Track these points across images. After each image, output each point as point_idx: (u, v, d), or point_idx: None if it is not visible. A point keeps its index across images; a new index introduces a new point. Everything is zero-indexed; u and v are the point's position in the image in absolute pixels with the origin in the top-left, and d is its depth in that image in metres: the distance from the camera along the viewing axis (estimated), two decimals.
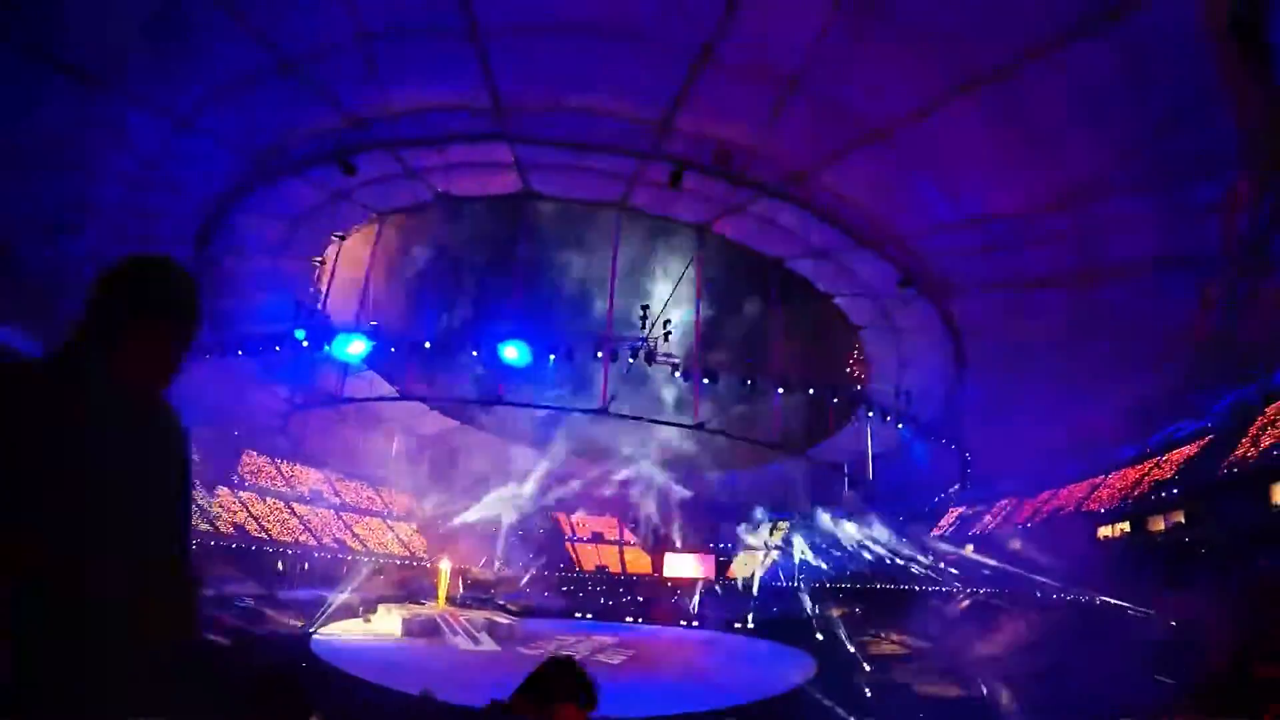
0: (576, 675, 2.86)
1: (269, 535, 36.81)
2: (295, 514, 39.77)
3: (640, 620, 43.93)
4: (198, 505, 33.58)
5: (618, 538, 52.29)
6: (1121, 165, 13.23)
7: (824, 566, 44.48)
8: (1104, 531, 29.46)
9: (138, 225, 18.03)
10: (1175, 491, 26.23)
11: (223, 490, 35.94)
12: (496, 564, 46.30)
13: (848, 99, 13.35)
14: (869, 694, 23.66)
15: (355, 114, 15.32)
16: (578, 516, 51.00)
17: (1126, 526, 28.42)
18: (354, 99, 14.88)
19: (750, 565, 47.92)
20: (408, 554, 44.06)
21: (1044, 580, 29.43)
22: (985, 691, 22.31)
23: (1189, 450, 26.78)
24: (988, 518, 37.91)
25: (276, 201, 18.05)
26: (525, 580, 46.77)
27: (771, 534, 47.37)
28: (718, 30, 11.96)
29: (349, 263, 20.60)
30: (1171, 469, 27.29)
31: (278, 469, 40.40)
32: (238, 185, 17.11)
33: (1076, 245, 15.72)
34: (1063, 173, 13.92)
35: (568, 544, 51.24)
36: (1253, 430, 23.39)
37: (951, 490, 32.31)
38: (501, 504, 42.18)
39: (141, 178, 16.43)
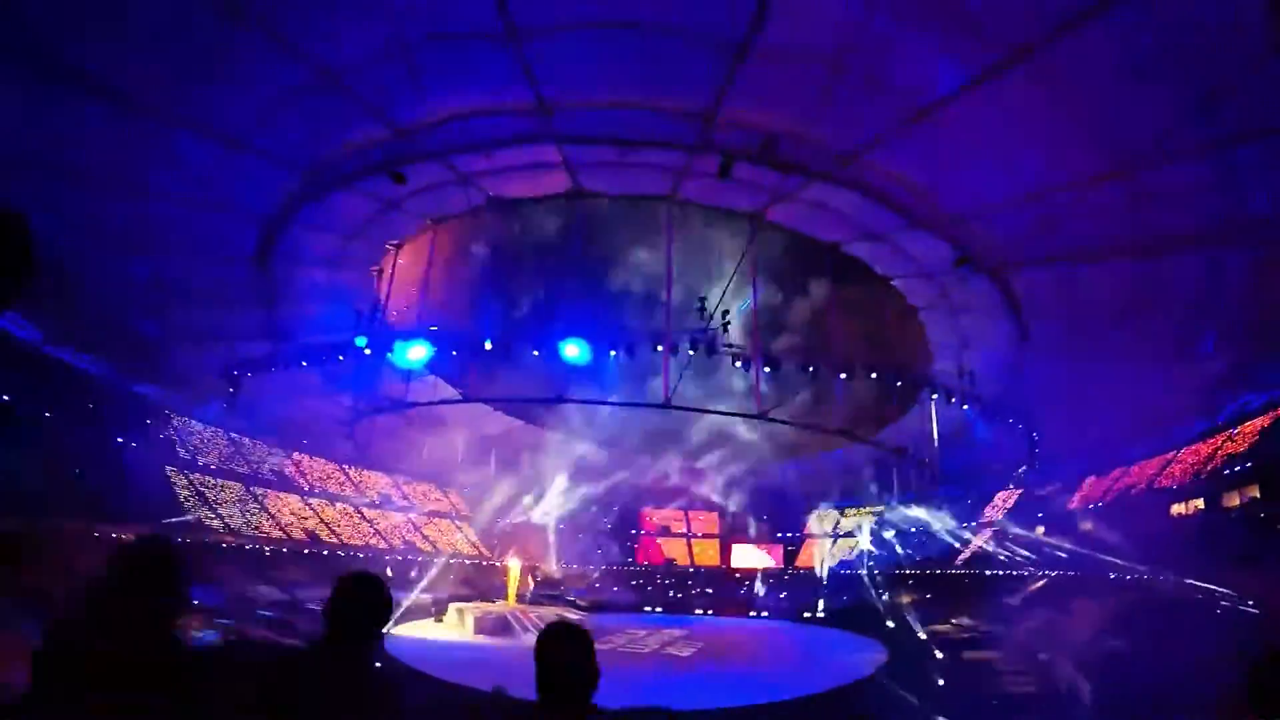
0: None
1: (340, 540, 37.71)
2: (365, 518, 40.70)
3: (709, 612, 43.93)
4: (268, 512, 34.58)
5: (685, 530, 52.26)
6: (1175, 131, 12.76)
7: (894, 552, 43.97)
8: (1177, 509, 28.56)
9: (195, 243, 18.58)
10: (1249, 465, 25.30)
11: (292, 497, 36.92)
12: (563, 561, 46.72)
13: (892, 78, 13.08)
14: (941, 682, 23.32)
15: (401, 124, 15.51)
16: (646, 510, 51.06)
17: (1200, 503, 27.51)
18: (399, 109, 15.05)
19: (818, 554, 47.54)
20: (476, 554, 44.70)
21: (1117, 560, 28.70)
22: (1059, 675, 21.82)
23: (1262, 422, 25.77)
24: (1057, 498, 36.97)
25: (330, 214, 18.40)
26: (594, 576, 47.16)
27: (839, 522, 46.95)
28: (757, 17, 11.81)
29: (406, 269, 20.94)
30: (1245, 442, 26.32)
31: (345, 475, 41.35)
32: (291, 201, 17.50)
33: (1133, 216, 15.22)
34: (1115, 142, 13.47)
35: (636, 537, 51.35)
36: None
37: (1019, 471, 31.61)
38: (567, 500, 42.58)
39: (197, 197, 16.91)
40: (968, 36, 11.57)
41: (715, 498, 44.86)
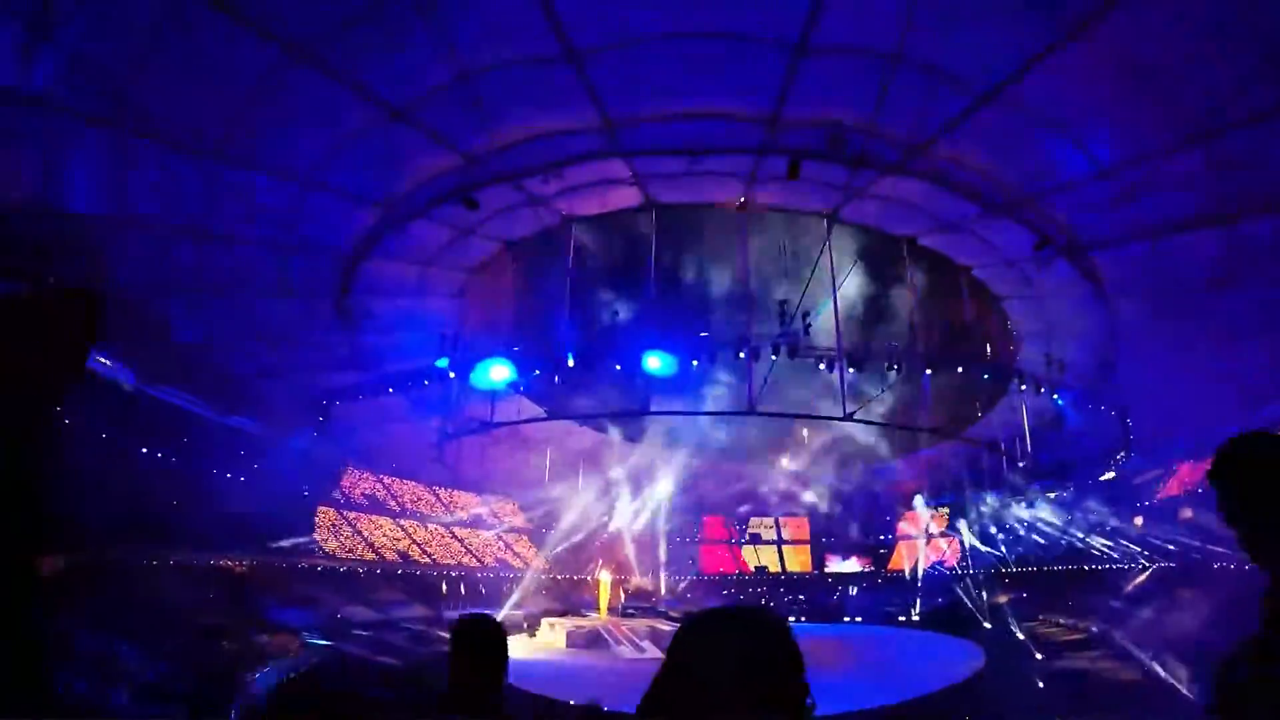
0: None
1: (433, 559, 38.56)
2: (456, 537, 41.53)
3: (803, 619, 43.43)
4: (361, 535, 35.55)
5: (775, 538, 51.81)
6: (1245, 92, 12.17)
7: (991, 550, 42.82)
8: None
9: (277, 283, 19.22)
10: None
11: (384, 519, 37.91)
12: (651, 572, 46.82)
13: (952, 64, 12.85)
14: (1040, 684, 22.61)
15: (469, 151, 15.80)
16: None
17: None
18: (466, 136, 15.33)
19: (910, 555, 46.58)
20: (566, 569, 45.10)
21: (1220, 550, 27.37)
22: (1164, 673, 20.93)
23: None
24: (1154, 486, 35.44)
25: (407, 244, 18.86)
26: (683, 586, 47.11)
27: (931, 522, 45.91)
28: (811, 15, 11.77)
29: (485, 292, 21.39)
30: None
31: (436, 496, 42.28)
32: (367, 234, 18.00)
33: (1213, 182, 14.45)
34: (1184, 109, 12.84)
35: (724, 546, 51.10)
36: None
37: (1117, 459, 30.43)
38: (654, 512, 42.76)
39: (276, 239, 17.46)
40: (1023, 12, 11.32)
41: (807, 502, 44.47)
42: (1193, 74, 12.11)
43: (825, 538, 49.99)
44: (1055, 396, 20.93)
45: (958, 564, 43.24)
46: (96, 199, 14.53)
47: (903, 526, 47.35)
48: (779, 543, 51.79)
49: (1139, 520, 34.98)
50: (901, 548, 47.74)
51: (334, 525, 34.73)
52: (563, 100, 14.25)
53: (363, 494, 38.16)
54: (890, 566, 47.83)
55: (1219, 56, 11.65)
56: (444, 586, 37.61)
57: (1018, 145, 15.05)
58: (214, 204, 15.61)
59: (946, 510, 44.98)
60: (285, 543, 30.77)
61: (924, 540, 46.07)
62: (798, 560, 51.01)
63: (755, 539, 51.83)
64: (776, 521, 51.35)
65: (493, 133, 15.30)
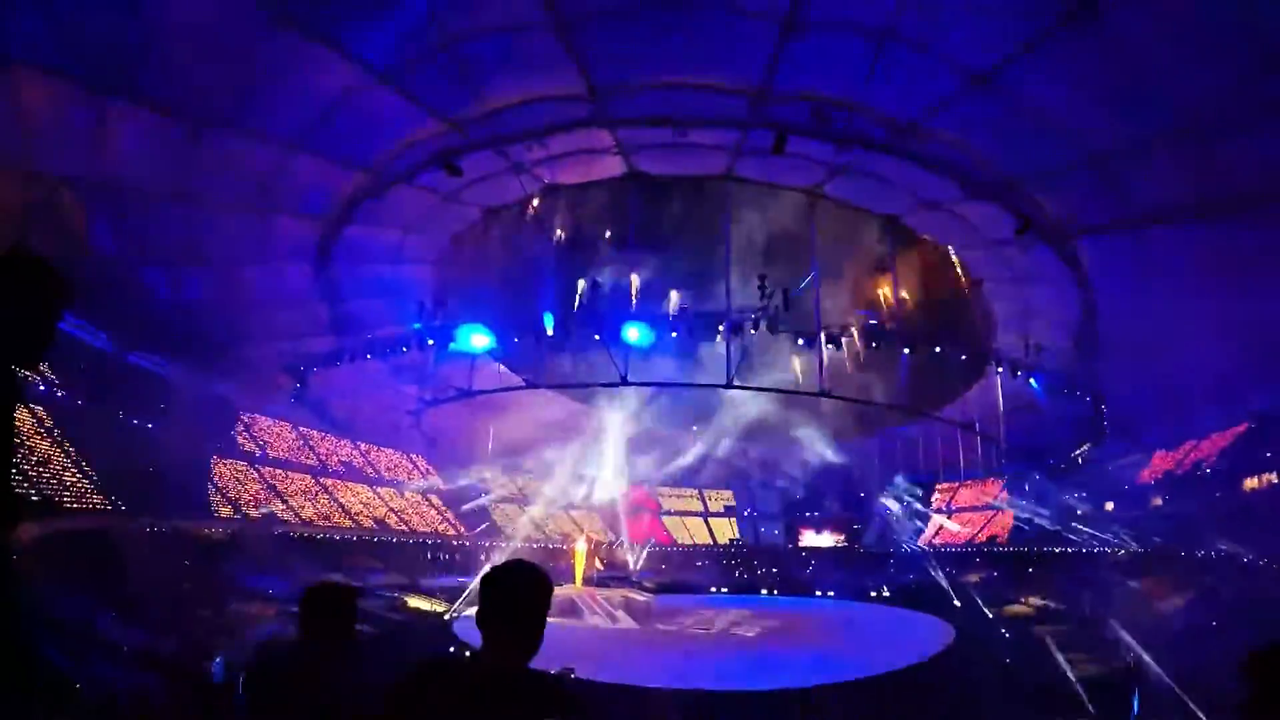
0: None
1: (409, 527, 38.57)
2: (432, 505, 41.56)
3: (775, 591, 43.84)
4: (339, 503, 35.51)
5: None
6: (1238, 91, 12.26)
7: (960, 529, 43.43)
8: (1249, 483, 27.62)
9: (258, 247, 19.07)
10: None
11: (360, 488, 37.86)
12: (625, 541, 47.12)
13: (944, 44, 12.83)
14: (1009, 660, 22.99)
15: (454, 117, 15.68)
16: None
17: (1274, 477, 26.55)
18: (451, 102, 15.21)
19: (886, 532, 47.09)
20: (542, 536, 45.25)
21: (1187, 536, 27.95)
22: (1131, 653, 21.36)
23: None
24: (1126, 473, 35.99)
25: (389, 210, 18.72)
26: (657, 557, 47.38)
27: (905, 500, 46.36)
28: None
29: (467, 259, 21.26)
30: None
31: (413, 463, 42.25)
32: (349, 199, 17.86)
33: (1197, 177, 14.59)
34: (1174, 104, 12.95)
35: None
36: None
37: (1087, 446, 30.86)
38: (628, 482, 43.01)
39: (258, 203, 17.32)
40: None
41: (786, 475, 44.96)
42: (1186, 69, 12.16)
43: (800, 512, 50.45)
44: (1031, 380, 21.10)
45: (930, 543, 43.73)
46: (76, 161, 14.32)
47: (877, 504, 47.62)
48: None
49: (1110, 505, 35.54)
50: (875, 524, 48.11)
51: (310, 492, 34.65)
52: (549, 67, 14.13)
53: (340, 461, 38.07)
54: (864, 543, 48.38)
55: (1216, 54, 11.70)
56: (421, 554, 37.68)
57: (1007, 128, 15.03)
58: (197, 167, 15.40)
59: (921, 488, 45.44)
60: (262, 510, 30.72)
61: (897, 518, 46.52)
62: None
63: (730, 511, 52.49)
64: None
65: (478, 98, 15.17)
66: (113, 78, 12.71)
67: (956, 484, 43.11)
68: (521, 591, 2.48)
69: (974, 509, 43.73)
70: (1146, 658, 20.23)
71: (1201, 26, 11.19)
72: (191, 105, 13.81)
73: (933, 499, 45.66)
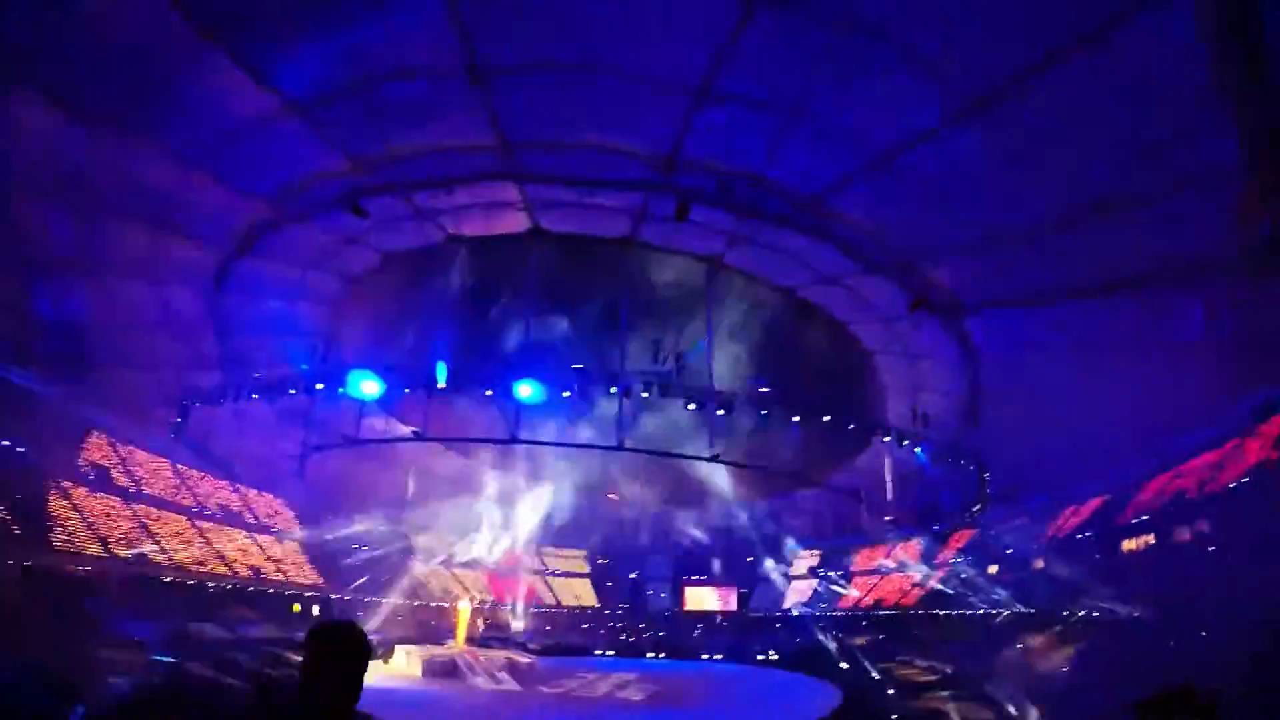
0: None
1: (287, 578, 36.76)
2: (307, 557, 39.78)
3: (662, 655, 43.41)
4: (214, 548, 33.65)
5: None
6: (1126, 179, 13.16)
7: (848, 593, 44.05)
8: (1128, 545, 29.07)
9: (150, 266, 18.20)
10: (1198, 501, 25.84)
11: (237, 533, 36.00)
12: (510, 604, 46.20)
13: (850, 126, 13.38)
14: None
15: (363, 157, 15.44)
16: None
17: (1151, 538, 28.03)
18: (361, 142, 14.99)
19: (773, 596, 47.42)
20: (424, 593, 43.84)
21: (1070, 596, 29.08)
22: (1016, 713, 21.93)
23: (1210, 458, 26.35)
24: (1009, 536, 37.40)
25: (288, 244, 18.24)
26: (541, 618, 46.50)
27: (794, 564, 46.89)
28: (715, 63, 12.04)
29: (362, 304, 20.76)
30: (1194, 479, 26.89)
31: (293, 512, 40.45)
32: (249, 229, 17.29)
33: (1087, 259, 15.57)
34: (1067, 190, 13.83)
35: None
36: (1271, 432, 22.98)
37: (973, 510, 31.96)
38: (514, 541, 42.37)
39: (153, 219, 16.59)
40: (925, 85, 11.88)
41: (675, 537, 44.91)
42: (1083, 159, 12.96)
43: (687, 575, 50.36)
44: (917, 449, 21.75)
45: (819, 606, 44.20)
46: None
47: (766, 567, 47.96)
48: (639, 578, 51.93)
49: (993, 568, 36.76)
50: (765, 588, 48.40)
51: (185, 534, 32.73)
52: (462, 117, 14.11)
53: (218, 504, 36.16)
54: (751, 606, 48.46)
55: (1109, 146, 12.52)
56: (297, 606, 35.90)
57: (906, 208, 15.68)
58: (93, 174, 14.68)
59: (809, 553, 46.07)
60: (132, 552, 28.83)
61: (786, 582, 46.99)
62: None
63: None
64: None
65: (389, 141, 14.99)
66: (14, 65, 12.04)
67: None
68: (344, 646, 2.67)
69: (873, 572, 44.42)
70: (1033, 716, 20.80)
71: (1091, 123, 11.94)
72: (95, 107, 13.15)
73: (851, 562, 46.06)
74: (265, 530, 37.94)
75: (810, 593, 46.03)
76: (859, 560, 44.86)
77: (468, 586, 44.70)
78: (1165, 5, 9.60)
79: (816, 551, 45.86)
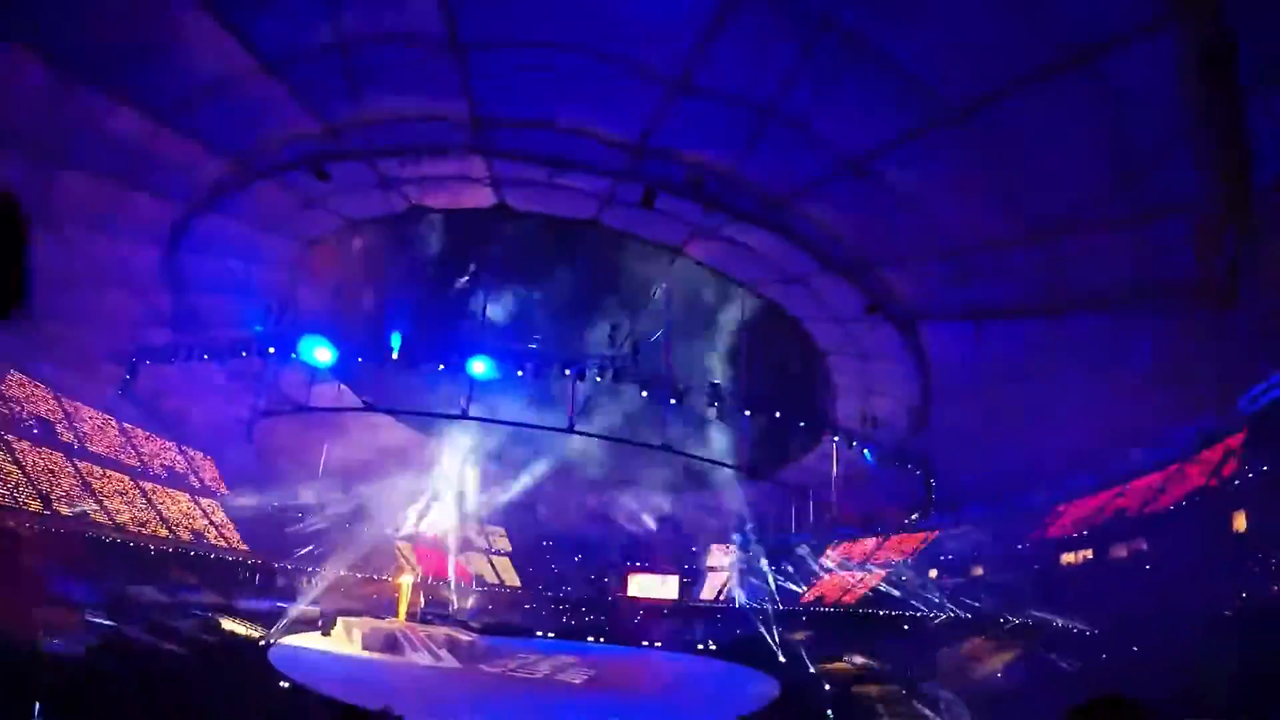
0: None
1: (229, 544, 36.28)
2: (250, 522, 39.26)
3: (602, 640, 43.57)
4: (155, 508, 33.11)
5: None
6: (1092, 202, 13.42)
7: (791, 589, 44.53)
8: (1067, 558, 29.82)
9: (110, 219, 17.82)
10: (1136, 519, 26.56)
11: (181, 495, 35.45)
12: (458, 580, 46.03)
13: (824, 129, 13.53)
14: (830, 715, 23.67)
15: (332, 120, 15.28)
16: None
17: (1089, 553, 28.78)
18: (332, 104, 14.83)
19: (716, 587, 47.77)
20: (366, 565, 43.52)
21: (1007, 604, 29.75)
22: (946, 712, 22.43)
23: (1153, 479, 27.09)
24: (951, 542, 38.14)
25: (250, 204, 17.93)
26: (483, 597, 46.43)
27: (738, 556, 47.28)
28: (695, 55, 12.11)
29: (320, 269, 20.52)
30: (1136, 498, 27.62)
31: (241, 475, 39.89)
32: (212, 186, 16.99)
33: (1047, 277, 15.84)
34: (1033, 208, 14.07)
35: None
36: (1212, 458, 23.70)
37: (915, 515, 32.54)
38: (461, 517, 42.28)
39: (116, 170, 16.21)
40: (900, 96, 12.06)
41: (619, 524, 45.05)
42: (1049, 179, 13.22)
43: (631, 561, 50.61)
44: (865, 451, 22.07)
45: (760, 599, 44.64)
46: None
47: (710, 558, 48.39)
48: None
49: (933, 572, 37.44)
50: (707, 578, 48.80)
51: (128, 494, 32.14)
52: (437, 87, 14.03)
53: (162, 464, 35.55)
54: (694, 595, 48.80)
55: (1076, 168, 12.79)
56: (239, 573, 35.45)
57: (871, 214, 15.91)
58: (61, 121, 14.28)
59: (752, 547, 46.49)
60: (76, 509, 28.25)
61: (730, 573, 47.36)
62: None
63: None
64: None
65: (360, 105, 14.82)
66: None
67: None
68: None
69: (815, 572, 44.94)
70: (964, 714, 21.30)
71: (1069, 139, 12.19)
72: (66, 53, 12.80)
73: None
74: (210, 494, 37.40)
75: (752, 586, 46.47)
76: (803, 557, 45.39)
77: (410, 561, 44.45)
78: (1148, 38, 9.85)
79: (758, 545, 46.33)
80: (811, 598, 43.02)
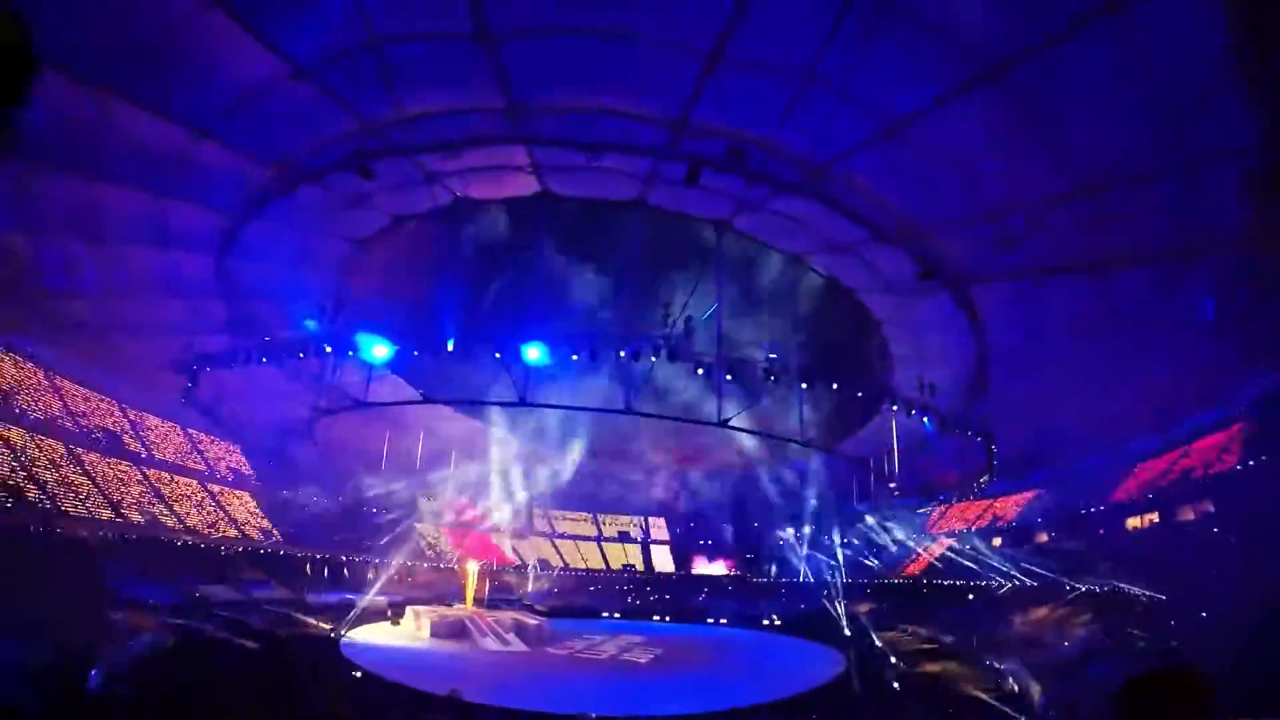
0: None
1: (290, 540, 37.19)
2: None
3: (668, 618, 43.82)
4: (224, 510, 34.01)
5: (642, 536, 52.37)
6: (1136, 155, 13.00)
7: (859, 562, 44.34)
8: (1132, 522, 29.15)
9: (155, 229, 18.16)
10: (1202, 481, 25.84)
11: (247, 495, 36.38)
12: (521, 565, 46.69)
13: (863, 93, 13.20)
14: (897, 687, 23.52)
15: (371, 120, 15.37)
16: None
17: (1155, 516, 28.10)
18: (369, 105, 14.91)
19: (780, 562, 47.74)
20: (434, 554, 44.30)
21: (1073, 571, 29.21)
22: (1013, 684, 22.15)
23: (1218, 438, 26.30)
24: (1015, 510, 37.52)
25: (296, 209, 18.12)
26: (550, 581, 46.98)
27: (799, 531, 47.11)
28: (728, 27, 11.89)
29: (371, 267, 20.75)
30: (1200, 459, 26.86)
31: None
32: (256, 193, 17.24)
33: (1094, 233, 15.39)
34: (1078, 163, 13.63)
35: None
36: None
37: (979, 483, 32.00)
38: (518, 505, 42.71)
39: (159, 185, 16.53)
40: (940, 54, 11.72)
41: (681, 504, 45.13)
42: (1090, 133, 12.79)
43: (694, 540, 50.77)
44: (924, 419, 21.73)
45: (824, 573, 44.43)
46: None
47: (775, 533, 48.26)
48: (645, 542, 52.37)
49: (997, 540, 36.93)
50: (771, 553, 48.72)
51: (196, 498, 33.11)
52: (471, 79, 13.97)
53: (229, 467, 36.53)
54: (757, 572, 48.91)
55: (1120, 120, 12.33)
56: (308, 568, 36.33)
57: (917, 177, 15.50)
58: (102, 140, 14.58)
59: (815, 522, 46.32)
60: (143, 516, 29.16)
61: (795, 548, 47.23)
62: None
63: (624, 537, 52.34)
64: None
65: (398, 104, 14.90)
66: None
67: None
68: None
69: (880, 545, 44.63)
70: (1032, 686, 21.01)
71: (1109, 87, 11.73)
72: (102, 74, 13.05)
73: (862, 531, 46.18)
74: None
75: (815, 560, 46.31)
76: (867, 530, 45.08)
77: (474, 548, 45.16)
78: None
79: (820, 520, 46.10)
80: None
